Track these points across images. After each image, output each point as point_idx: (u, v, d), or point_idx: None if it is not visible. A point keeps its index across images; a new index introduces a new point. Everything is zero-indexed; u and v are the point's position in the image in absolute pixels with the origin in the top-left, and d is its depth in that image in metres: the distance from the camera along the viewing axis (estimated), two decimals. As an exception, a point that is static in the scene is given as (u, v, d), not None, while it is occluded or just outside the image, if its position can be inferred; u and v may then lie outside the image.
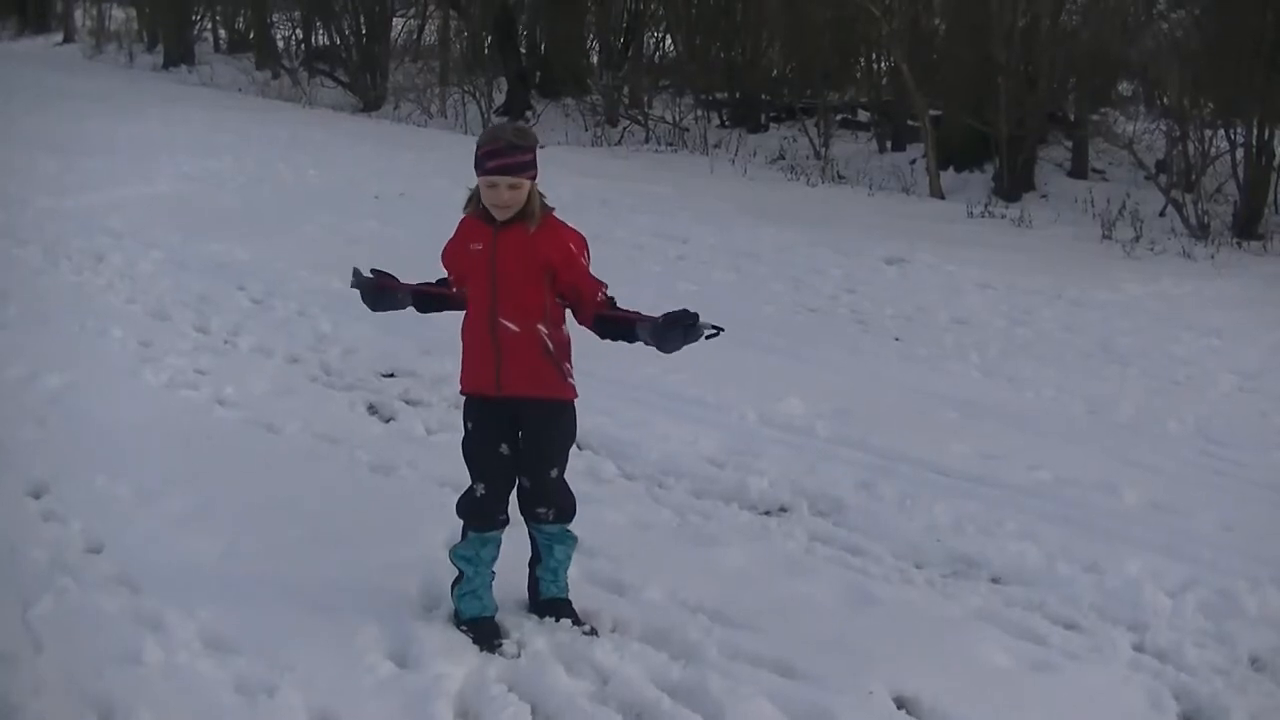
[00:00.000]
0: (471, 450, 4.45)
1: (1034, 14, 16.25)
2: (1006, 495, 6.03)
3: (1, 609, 4.44)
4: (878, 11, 17.27)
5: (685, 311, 4.18)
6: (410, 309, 4.60)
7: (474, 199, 4.33)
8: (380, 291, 4.51)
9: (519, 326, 4.27)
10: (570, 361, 4.40)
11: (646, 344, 4.26)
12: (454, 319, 4.52)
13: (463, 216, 4.40)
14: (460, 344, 4.44)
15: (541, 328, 4.29)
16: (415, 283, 4.56)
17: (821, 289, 10.32)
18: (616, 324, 4.31)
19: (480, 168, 4.22)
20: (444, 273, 4.52)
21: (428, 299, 4.57)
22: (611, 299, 4.34)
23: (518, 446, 4.43)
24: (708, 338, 4.18)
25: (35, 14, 41.47)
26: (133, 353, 7.65)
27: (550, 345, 4.31)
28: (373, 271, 4.53)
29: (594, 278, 4.33)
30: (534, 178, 4.26)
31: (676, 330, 4.15)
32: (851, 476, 6.15)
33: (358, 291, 4.55)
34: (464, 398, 4.48)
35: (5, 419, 6.38)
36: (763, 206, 14.27)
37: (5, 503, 5.40)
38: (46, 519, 5.25)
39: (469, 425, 4.46)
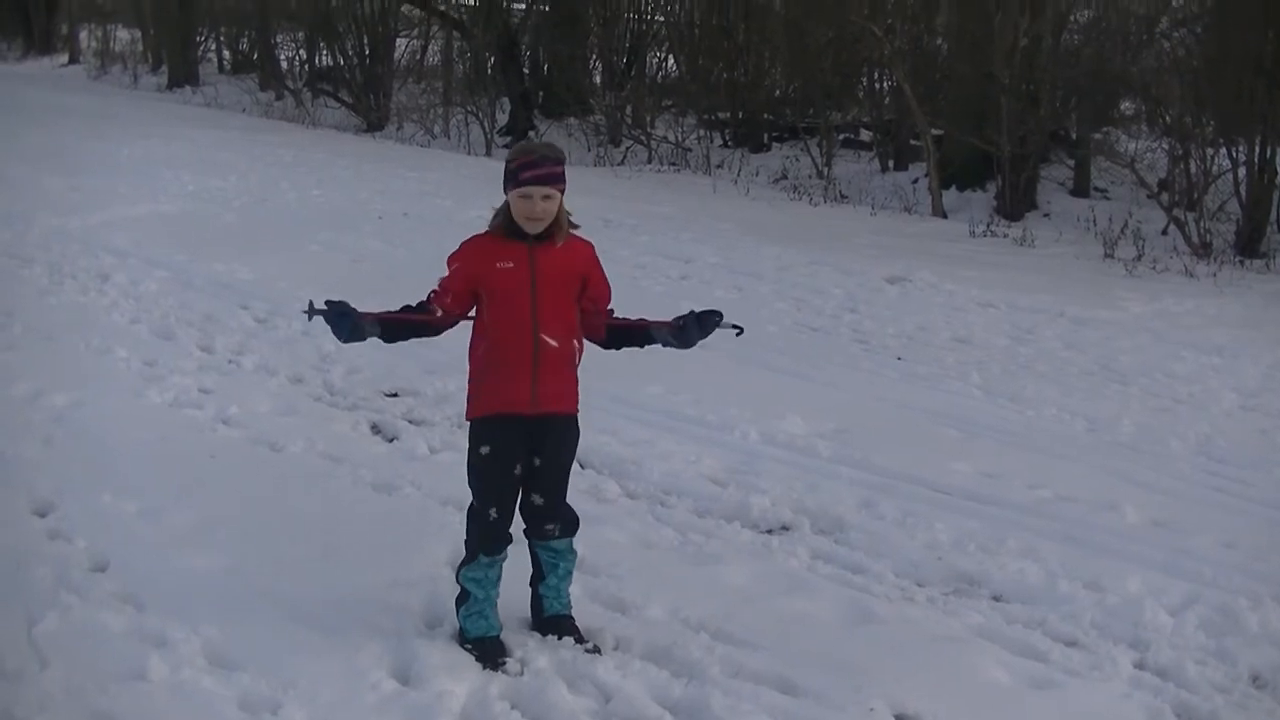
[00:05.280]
0: (488, 473, 4.40)
1: (1036, 33, 16.30)
2: (1007, 514, 6.04)
3: (7, 626, 4.46)
4: (880, 31, 17.35)
5: (713, 311, 4.44)
6: (375, 339, 4.35)
7: (502, 216, 4.32)
8: (344, 320, 4.21)
9: (558, 341, 4.32)
10: None
11: (665, 345, 4.45)
12: (458, 340, 4.54)
13: (470, 238, 4.39)
14: (469, 365, 4.43)
15: (574, 342, 4.39)
16: (379, 311, 4.35)
17: (823, 308, 10.34)
18: (628, 331, 4.45)
19: (514, 180, 4.23)
20: (412, 299, 4.40)
21: (397, 328, 4.37)
22: (611, 310, 4.48)
23: (530, 466, 4.44)
24: (738, 334, 4.52)
25: (40, 36, 41.67)
26: (137, 372, 7.67)
27: (578, 359, 4.41)
28: (328, 303, 4.25)
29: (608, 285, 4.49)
30: (563, 191, 4.31)
31: (701, 328, 4.42)
32: (853, 495, 6.16)
33: (318, 322, 4.26)
34: (476, 420, 4.42)
35: (11, 437, 6.39)
36: (765, 226, 14.31)
37: (10, 521, 5.41)
38: (51, 537, 5.26)
39: (485, 449, 4.38)
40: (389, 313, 4.35)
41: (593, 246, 4.46)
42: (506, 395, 4.33)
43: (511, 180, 4.24)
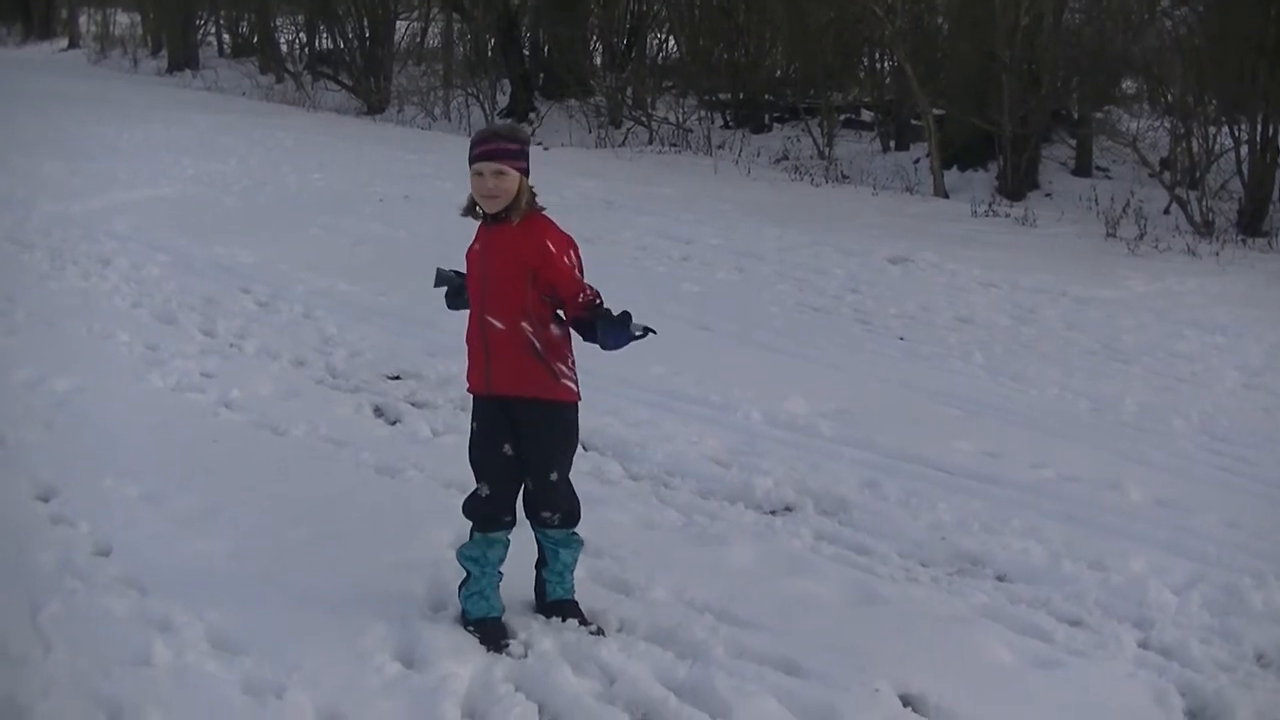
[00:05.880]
0: (476, 449, 4.47)
1: (1037, 12, 16.26)
2: (1011, 493, 6.04)
3: (11, 611, 4.46)
4: (880, 11, 17.29)
5: (619, 314, 4.28)
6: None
7: (468, 200, 4.39)
8: (457, 290, 4.56)
9: (503, 324, 4.30)
10: (568, 363, 4.40)
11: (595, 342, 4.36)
12: (459, 322, 4.55)
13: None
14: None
15: (525, 326, 4.29)
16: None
17: (825, 289, 10.33)
18: (584, 325, 4.36)
19: (468, 159, 4.30)
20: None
21: None
22: (596, 304, 4.34)
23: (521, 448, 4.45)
24: (637, 338, 4.31)
25: (40, 20, 41.61)
26: (139, 356, 7.67)
27: (537, 344, 4.31)
28: (454, 272, 4.57)
29: (577, 280, 4.32)
30: (524, 172, 4.29)
31: (609, 330, 4.27)
32: (856, 475, 6.16)
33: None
34: (472, 398, 4.51)
35: (13, 422, 6.39)
36: (766, 207, 14.29)
37: (14, 506, 5.41)
38: (55, 522, 5.26)
39: (475, 424, 4.48)
40: None
41: (561, 239, 4.30)
42: (472, 375, 4.44)
43: (468, 160, 4.31)
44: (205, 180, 14.52)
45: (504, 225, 4.29)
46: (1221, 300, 10.46)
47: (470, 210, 4.40)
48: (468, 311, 4.48)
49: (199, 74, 29.95)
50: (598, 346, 4.37)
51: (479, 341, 4.37)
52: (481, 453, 4.45)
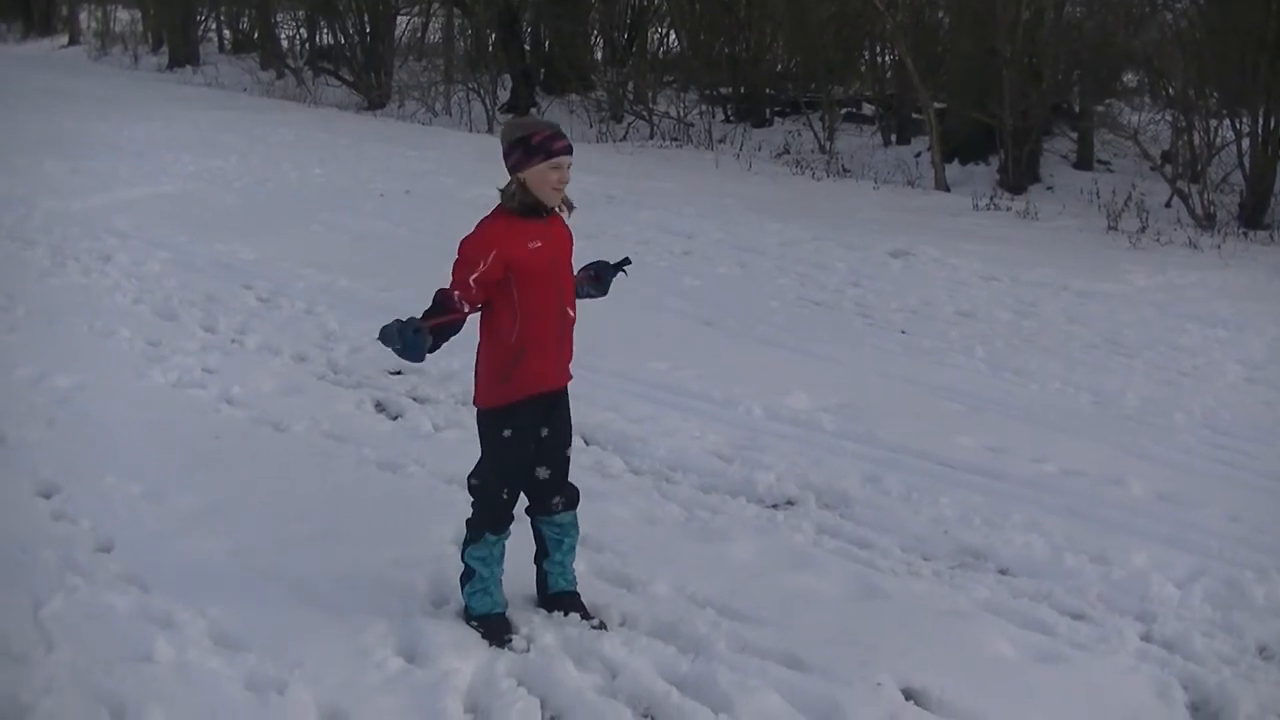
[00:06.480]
0: (509, 456, 4.36)
1: (1038, 6, 16.25)
2: (1013, 487, 6.04)
3: (13, 608, 4.46)
4: (881, 5, 17.27)
5: (602, 262, 4.68)
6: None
7: (516, 193, 4.24)
8: (418, 339, 3.98)
9: (574, 312, 4.42)
10: None
11: (590, 296, 4.64)
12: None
13: (493, 223, 4.26)
14: (489, 352, 4.32)
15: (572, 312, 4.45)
16: (426, 320, 4.05)
17: (827, 283, 10.32)
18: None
19: (544, 150, 4.19)
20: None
21: (443, 332, 4.15)
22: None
23: (539, 441, 4.44)
24: (625, 272, 4.76)
25: (40, 17, 41.57)
26: (141, 352, 7.66)
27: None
28: (399, 323, 3.99)
29: None
30: None
31: (607, 275, 4.67)
32: (858, 470, 6.16)
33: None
34: (508, 406, 4.31)
35: (15, 419, 6.39)
36: (767, 201, 14.28)
37: (15, 503, 5.42)
38: (56, 519, 5.27)
39: (508, 432, 4.32)
40: (436, 320, 4.09)
41: None
42: (544, 374, 4.34)
43: (541, 152, 4.18)
44: (206, 177, 14.50)
45: (556, 218, 4.35)
46: (1223, 294, 10.44)
47: (523, 204, 4.23)
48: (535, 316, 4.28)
49: (199, 70, 29.91)
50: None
51: (556, 336, 4.34)
52: (519, 459, 4.39)
